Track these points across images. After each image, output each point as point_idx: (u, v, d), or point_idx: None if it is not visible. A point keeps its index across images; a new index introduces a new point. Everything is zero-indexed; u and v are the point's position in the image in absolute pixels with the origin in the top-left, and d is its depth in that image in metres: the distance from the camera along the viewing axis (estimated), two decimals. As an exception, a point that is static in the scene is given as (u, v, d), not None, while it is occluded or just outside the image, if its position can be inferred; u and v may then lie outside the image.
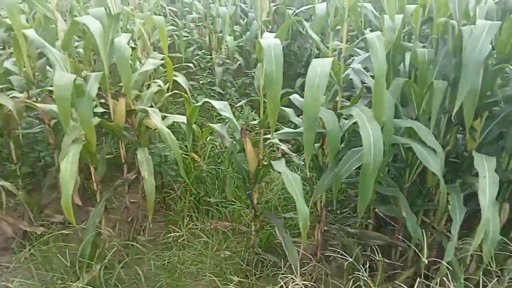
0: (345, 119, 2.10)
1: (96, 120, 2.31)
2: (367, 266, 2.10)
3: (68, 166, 1.93)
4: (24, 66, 2.57)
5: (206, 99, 2.47)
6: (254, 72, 4.26)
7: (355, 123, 1.87)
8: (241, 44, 4.71)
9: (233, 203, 2.81)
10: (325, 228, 2.30)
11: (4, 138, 2.62)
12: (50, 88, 2.60)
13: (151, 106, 2.77)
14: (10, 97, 2.57)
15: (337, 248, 2.35)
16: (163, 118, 2.68)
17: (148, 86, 3.00)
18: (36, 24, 2.63)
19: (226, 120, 2.42)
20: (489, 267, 1.82)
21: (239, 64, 4.54)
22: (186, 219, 2.77)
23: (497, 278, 1.85)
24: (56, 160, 2.97)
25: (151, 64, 2.73)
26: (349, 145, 1.98)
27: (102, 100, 2.65)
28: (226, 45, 4.60)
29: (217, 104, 2.38)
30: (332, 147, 1.83)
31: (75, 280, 2.33)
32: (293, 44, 4.66)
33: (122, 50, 2.18)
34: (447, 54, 1.97)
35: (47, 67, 2.84)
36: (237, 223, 2.71)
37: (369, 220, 2.43)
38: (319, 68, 1.71)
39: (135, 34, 3.08)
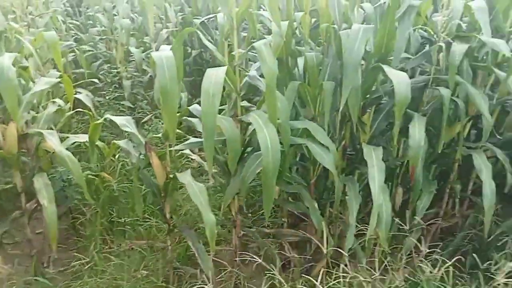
0: (250, 124, 2.15)
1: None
2: (282, 263, 2.16)
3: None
4: None
5: (108, 116, 2.38)
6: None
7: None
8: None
9: (148, 220, 2.72)
10: (242, 232, 2.33)
11: None
12: None
13: (51, 128, 2.60)
14: None
15: (255, 250, 2.39)
16: (64, 139, 2.54)
17: (45, 107, 2.81)
18: None
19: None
20: (387, 249, 1.96)
21: (150, 76, 4.43)
22: (98, 242, 2.62)
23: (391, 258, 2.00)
24: None
25: (45, 83, 2.56)
26: (256, 149, 2.03)
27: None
28: (134, 58, 4.47)
29: (119, 119, 2.31)
30: (232, 153, 1.86)
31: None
32: (205, 53, 4.67)
33: (5, 71, 2.03)
34: (334, 56, 2.11)
35: None
36: (154, 239, 2.63)
37: (283, 219, 2.51)
38: (214, 77, 1.73)
39: (27, 52, 2.88)
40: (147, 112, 3.84)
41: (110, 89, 3.78)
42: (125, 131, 2.36)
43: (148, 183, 2.28)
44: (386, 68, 1.81)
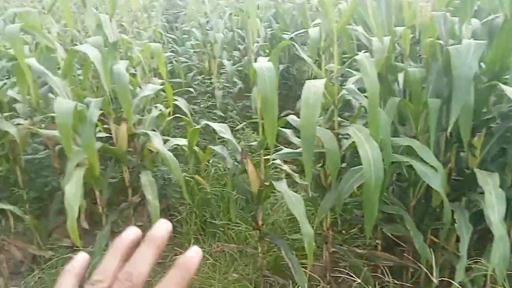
0: (346, 138, 2.15)
1: (99, 144, 2.36)
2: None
3: (72, 190, 1.97)
4: (28, 94, 2.66)
5: (206, 122, 2.53)
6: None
7: (354, 142, 1.91)
8: (240, 68, 4.82)
9: (238, 225, 2.83)
10: (333, 249, 2.30)
11: (11, 164, 2.67)
12: (53, 115, 2.68)
13: (154, 130, 2.84)
14: (15, 124, 2.65)
15: (346, 269, 2.34)
16: (165, 141, 2.75)
17: (149, 111, 3.08)
18: (38, 53, 2.73)
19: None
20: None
21: (239, 88, 4.63)
22: (193, 241, 2.79)
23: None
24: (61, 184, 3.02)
25: (150, 90, 2.81)
26: (350, 164, 2.02)
27: (106, 125, 2.72)
28: (225, 70, 4.71)
29: (217, 126, 2.44)
30: (332, 166, 1.86)
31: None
32: (291, 67, 4.76)
33: (120, 76, 2.25)
34: (439, 72, 2.03)
35: (50, 95, 2.94)
36: (244, 245, 2.72)
37: (377, 241, 2.42)
38: (313, 88, 1.77)
39: (135, 61, 3.18)
40: (236, 122, 4.01)
41: (204, 98, 4.02)
42: (220, 137, 2.51)
43: (242, 189, 2.37)
44: (505, 87, 1.69)
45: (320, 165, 2.22)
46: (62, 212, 3.17)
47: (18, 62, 2.13)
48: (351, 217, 2.60)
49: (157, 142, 2.46)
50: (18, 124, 2.65)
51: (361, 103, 2.23)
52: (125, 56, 3.41)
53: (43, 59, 2.47)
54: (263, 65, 1.84)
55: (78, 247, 3.01)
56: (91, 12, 2.07)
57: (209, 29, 5.01)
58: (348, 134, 1.95)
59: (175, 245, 2.95)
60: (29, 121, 2.58)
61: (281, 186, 1.98)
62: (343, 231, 2.72)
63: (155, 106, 3.08)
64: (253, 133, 3.38)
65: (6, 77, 3.42)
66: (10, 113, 2.79)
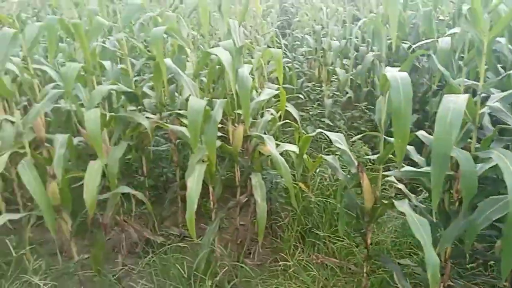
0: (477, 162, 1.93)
1: (218, 143, 2.48)
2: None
3: (194, 184, 2.09)
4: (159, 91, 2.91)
5: (320, 130, 2.49)
6: (364, 106, 4.21)
7: (491, 167, 1.70)
8: (351, 77, 4.70)
9: (341, 239, 2.74)
10: (449, 283, 2.09)
11: (139, 154, 2.94)
12: (179, 111, 2.89)
13: (264, 134, 2.89)
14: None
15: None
16: (276, 146, 2.78)
17: (262, 115, 3.14)
18: (171, 54, 2.97)
19: (338, 153, 2.41)
20: None
21: (349, 97, 4.51)
22: (292, 248, 2.78)
23: None
24: (177, 177, 3.25)
25: (267, 94, 2.86)
26: (483, 192, 1.80)
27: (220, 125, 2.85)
28: (336, 78, 4.63)
29: (332, 135, 2.38)
30: (468, 191, 1.67)
31: (189, 291, 2.48)
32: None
33: (244, 80, 2.32)
34: None
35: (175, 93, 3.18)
36: (345, 261, 2.62)
37: (505, 283, 2.12)
38: (452, 105, 1.61)
39: (254, 65, 3.27)
40: (343, 132, 3.91)
41: (313, 106, 3.99)
42: (327, 147, 2.44)
43: (352, 204, 2.28)
44: None
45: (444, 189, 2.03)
46: (174, 202, 3.43)
47: (157, 61, 2.34)
48: (474, 251, 2.32)
49: (270, 145, 2.50)
50: (148, 117, 2.91)
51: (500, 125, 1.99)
52: (246, 60, 3.56)
53: (175, 59, 2.68)
54: (397, 74, 1.74)
55: (186, 238, 3.24)
56: (225, 18, 2.17)
57: (323, 36, 4.98)
58: (486, 158, 1.74)
59: (274, 250, 2.98)
60: (158, 116, 2.82)
61: (403, 206, 1.84)
62: (463, 264, 2.45)
63: (267, 110, 3.14)
64: (364, 146, 3.25)
65: (137, 74, 3.81)
66: (139, 108, 3.10)
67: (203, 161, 2.35)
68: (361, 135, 2.63)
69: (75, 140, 2.61)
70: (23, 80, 2.72)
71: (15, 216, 2.27)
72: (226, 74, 2.38)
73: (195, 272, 2.53)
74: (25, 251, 2.60)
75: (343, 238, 2.75)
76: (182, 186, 3.39)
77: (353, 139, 2.89)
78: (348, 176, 2.31)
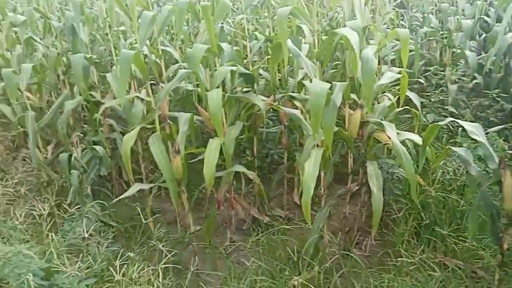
0: None
1: (335, 128, 2.38)
2: None
3: (310, 169, 2.04)
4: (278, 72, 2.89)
5: (452, 119, 2.24)
6: (495, 93, 3.69)
7: None
8: (479, 61, 4.15)
9: (464, 239, 2.47)
10: None
11: (251, 134, 3.00)
12: (292, 94, 2.86)
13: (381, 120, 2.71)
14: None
15: None
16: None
17: (377, 100, 2.95)
18: (289, 34, 2.92)
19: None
20: None
21: (477, 83, 4.00)
22: (405, 243, 2.59)
23: None
24: (285, 159, 3.26)
25: (388, 78, 2.65)
26: None
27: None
28: (461, 61, 4.13)
29: (468, 126, 2.12)
30: None
31: (296, 274, 2.48)
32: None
33: (369, 62, 2.16)
34: None
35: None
36: (470, 264, 2.36)
37: None
38: None
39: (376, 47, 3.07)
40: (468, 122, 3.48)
41: (435, 91, 3.63)
42: (450, 138, 2.18)
43: (487, 203, 2.01)
44: None
45: None
46: (280, 184, 3.45)
47: (277, 43, 2.31)
48: None
49: (391, 133, 2.31)
50: (261, 99, 2.94)
51: None
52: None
53: (293, 41, 2.63)
54: None
55: (292, 220, 3.26)
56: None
57: (450, 14, 4.46)
58: None
59: (385, 243, 2.82)
60: (272, 98, 2.82)
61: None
62: None
63: (385, 95, 2.94)
64: (500, 139, 2.85)
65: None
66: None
67: (317, 146, 2.28)
68: (498, 128, 2.30)
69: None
70: (150, 60, 2.95)
71: (145, 186, 2.48)
72: (349, 55, 2.25)
73: (303, 257, 2.52)
74: (151, 219, 2.85)
75: (465, 239, 2.47)
76: (289, 168, 3.40)
77: (489, 131, 2.55)
78: (484, 172, 2.04)
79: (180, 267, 2.66)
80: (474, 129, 2.09)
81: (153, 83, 3.46)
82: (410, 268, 2.49)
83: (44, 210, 2.60)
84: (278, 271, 2.59)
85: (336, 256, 2.51)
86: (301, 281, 2.40)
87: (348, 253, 2.58)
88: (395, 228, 2.77)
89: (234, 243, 3.04)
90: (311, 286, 2.37)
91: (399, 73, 2.74)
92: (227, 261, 2.81)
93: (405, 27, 5.23)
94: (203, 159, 2.93)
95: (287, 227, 2.97)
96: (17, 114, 3.32)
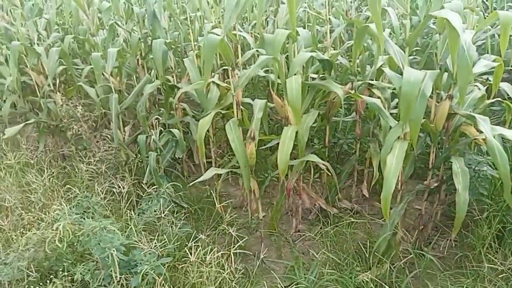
0: None
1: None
2: None
3: (393, 162, 1.92)
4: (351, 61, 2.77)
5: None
6: None
7: None
8: None
9: None
10: None
11: (324, 123, 2.91)
12: (371, 82, 2.72)
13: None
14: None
15: None
16: (488, 128, 2.36)
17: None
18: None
19: None
20: None
21: None
22: (486, 248, 2.39)
23: None
24: (357, 150, 3.13)
25: (483, 66, 2.41)
26: None
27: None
28: None
29: None
30: None
31: (364, 269, 2.39)
32: None
33: (467, 48, 1.96)
34: None
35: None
36: None
37: None
38: None
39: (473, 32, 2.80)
40: None
41: (531, 83, 3.24)
42: None
43: None
44: None
45: None
46: (350, 175, 3.34)
47: (362, 27, 2.19)
48: None
49: (485, 128, 2.11)
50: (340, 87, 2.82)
51: None
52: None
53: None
54: None
55: (359, 213, 3.15)
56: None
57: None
58: None
59: (463, 245, 2.63)
60: (349, 85, 2.70)
61: None
62: None
63: (475, 85, 2.69)
64: None
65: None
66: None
67: (398, 138, 2.14)
68: None
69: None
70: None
71: (220, 171, 2.51)
72: (442, 41, 2.07)
73: (375, 252, 2.42)
74: (222, 204, 2.90)
75: None
76: (360, 160, 3.27)
77: None
78: None
79: (250, 252, 2.69)
80: None
81: (225, 69, 3.49)
82: (492, 274, 2.30)
83: (123, 188, 2.73)
84: (346, 264, 2.52)
85: (411, 255, 2.38)
86: (370, 277, 2.31)
87: (422, 252, 2.43)
88: (476, 230, 2.56)
89: (299, 233, 3.01)
90: (381, 283, 2.28)
91: (494, 61, 2.49)
92: (294, 250, 2.78)
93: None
94: (271, 146, 2.92)
95: (356, 220, 2.87)
96: (99, 96, 3.52)
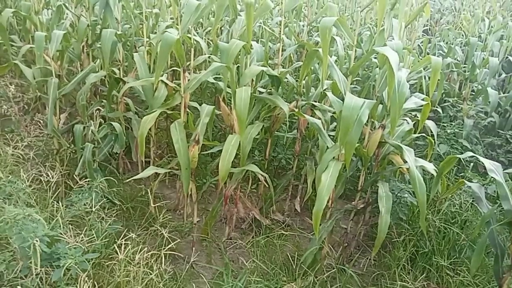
0: None
1: (354, 145, 2.39)
2: None
3: (328, 180, 2.05)
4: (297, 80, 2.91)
5: (472, 154, 2.26)
6: (509, 135, 3.73)
7: None
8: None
9: (459, 272, 2.49)
10: None
11: (266, 136, 3.01)
12: (313, 103, 2.88)
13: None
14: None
15: None
16: (409, 159, 2.60)
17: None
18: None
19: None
20: None
21: (492, 122, 4.03)
22: (400, 269, 2.62)
23: None
24: (294, 166, 3.27)
25: (413, 103, 2.67)
26: None
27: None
28: (482, 98, 4.17)
29: (488, 163, 2.14)
30: None
31: (290, 280, 2.49)
32: None
33: (402, 84, 2.17)
34: None
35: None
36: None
37: None
38: None
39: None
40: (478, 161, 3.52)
41: (452, 123, 3.65)
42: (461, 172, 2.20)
43: (495, 243, 2.03)
44: None
45: None
46: (285, 189, 3.47)
47: (312, 51, 2.32)
48: None
49: (409, 158, 2.33)
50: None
51: None
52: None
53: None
54: None
55: (289, 226, 3.27)
56: (400, 17, 2.04)
57: (476, 49, 4.49)
58: None
59: (381, 264, 2.84)
60: (294, 104, 2.83)
61: None
62: None
63: (404, 119, 2.96)
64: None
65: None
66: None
67: (333, 158, 2.29)
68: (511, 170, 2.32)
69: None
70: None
71: (160, 170, 2.48)
72: (380, 74, 2.27)
73: (301, 264, 2.53)
74: (157, 204, 2.85)
75: (461, 272, 2.50)
76: (296, 176, 3.42)
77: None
78: (495, 211, 2.07)
79: (181, 254, 2.67)
80: (493, 167, 2.10)
81: (174, 70, 3.47)
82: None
83: (52, 178, 2.59)
84: (273, 274, 2.61)
85: (333, 269, 2.52)
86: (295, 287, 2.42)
87: (344, 268, 2.59)
88: (393, 251, 2.78)
89: (231, 240, 3.05)
90: (303, 294, 2.40)
91: (423, 99, 2.76)
92: (224, 257, 2.82)
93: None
94: (212, 153, 2.95)
95: (286, 232, 2.98)
96: (35, 78, 3.31)
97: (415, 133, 2.99)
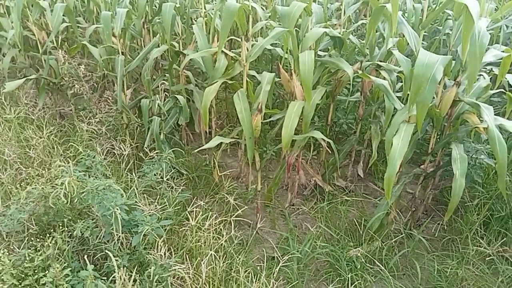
0: None
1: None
2: None
3: (399, 144, 1.96)
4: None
5: None
6: None
7: None
8: None
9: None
10: None
11: (328, 101, 2.93)
12: (379, 63, 2.72)
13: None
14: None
15: None
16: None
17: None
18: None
19: None
20: None
21: None
22: (474, 233, 2.49)
23: None
24: (357, 131, 3.16)
25: (493, 56, 2.43)
26: None
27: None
28: None
29: None
30: None
31: (357, 245, 2.47)
32: None
33: (481, 36, 1.98)
34: None
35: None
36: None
37: None
38: None
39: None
40: None
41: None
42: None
43: None
44: None
45: None
46: (348, 155, 3.39)
47: (379, 7, 2.18)
48: None
49: (488, 117, 2.15)
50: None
51: None
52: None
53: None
54: None
55: (352, 192, 3.22)
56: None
57: None
58: None
59: (452, 229, 2.72)
60: (358, 65, 2.70)
61: None
62: None
63: (481, 74, 2.72)
64: None
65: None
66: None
67: (404, 121, 2.18)
68: None
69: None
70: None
71: (226, 140, 2.52)
72: (456, 27, 2.08)
73: (368, 230, 2.50)
74: (222, 174, 2.93)
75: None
76: (359, 141, 3.31)
77: None
78: None
79: (247, 220, 2.75)
80: None
81: (231, 39, 3.45)
82: (477, 258, 2.40)
83: (124, 150, 2.74)
84: (338, 239, 2.60)
85: (401, 235, 2.46)
86: (361, 253, 2.39)
87: (412, 233, 2.52)
88: (466, 216, 2.65)
89: (294, 206, 3.07)
90: (371, 258, 2.37)
91: (504, 51, 2.51)
92: (288, 222, 2.85)
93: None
94: (271, 121, 2.93)
95: (350, 198, 2.94)
96: (102, 57, 3.46)
97: (491, 89, 2.75)
